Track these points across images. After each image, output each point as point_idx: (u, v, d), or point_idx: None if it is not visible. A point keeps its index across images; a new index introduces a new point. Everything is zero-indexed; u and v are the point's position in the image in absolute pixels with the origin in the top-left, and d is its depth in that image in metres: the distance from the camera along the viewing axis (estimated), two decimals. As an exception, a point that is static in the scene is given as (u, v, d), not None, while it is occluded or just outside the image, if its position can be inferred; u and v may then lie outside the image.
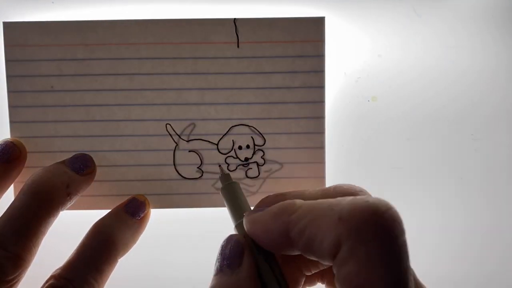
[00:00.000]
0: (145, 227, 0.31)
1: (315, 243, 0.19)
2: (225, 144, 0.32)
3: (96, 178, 0.31)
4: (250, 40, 0.31)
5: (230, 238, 0.23)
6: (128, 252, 0.29)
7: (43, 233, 0.27)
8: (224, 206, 0.31)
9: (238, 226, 0.25)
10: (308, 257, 0.21)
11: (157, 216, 0.32)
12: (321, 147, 0.31)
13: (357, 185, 0.26)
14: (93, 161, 0.30)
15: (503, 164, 0.35)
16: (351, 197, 0.20)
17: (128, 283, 0.33)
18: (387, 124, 0.34)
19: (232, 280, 0.21)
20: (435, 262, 0.36)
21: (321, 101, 0.31)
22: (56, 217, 0.28)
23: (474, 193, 0.35)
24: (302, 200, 0.22)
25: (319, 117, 0.31)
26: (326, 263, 0.20)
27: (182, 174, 0.32)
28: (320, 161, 0.31)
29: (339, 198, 0.20)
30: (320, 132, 0.31)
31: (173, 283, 0.34)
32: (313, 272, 0.25)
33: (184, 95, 0.31)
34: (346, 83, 0.34)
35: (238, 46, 0.31)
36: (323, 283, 0.26)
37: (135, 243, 0.30)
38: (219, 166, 0.31)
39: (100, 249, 0.28)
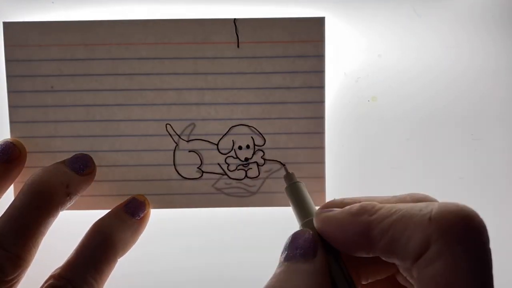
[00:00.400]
0: (144, 227, 0.31)
1: (399, 243, 0.19)
2: (225, 144, 0.32)
3: (96, 178, 0.31)
4: (250, 40, 0.31)
5: (302, 231, 0.23)
6: (128, 251, 0.29)
7: (43, 233, 0.27)
8: (223, 206, 0.32)
9: (305, 224, 0.25)
10: (385, 258, 0.20)
11: (157, 216, 0.32)
12: (321, 147, 0.31)
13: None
14: (93, 161, 0.30)
15: (503, 164, 0.35)
16: (439, 202, 0.20)
17: (126, 281, 0.33)
18: (387, 124, 0.34)
19: (307, 268, 0.21)
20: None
21: (321, 101, 0.31)
22: (56, 217, 0.28)
23: (474, 193, 0.35)
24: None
25: (319, 117, 0.31)
26: (406, 264, 0.20)
27: (182, 174, 0.32)
28: (320, 161, 0.31)
29: (425, 202, 0.20)
30: (320, 132, 0.31)
31: (171, 282, 0.34)
32: (369, 281, 0.25)
33: (184, 95, 0.31)
34: (346, 83, 0.34)
35: (238, 46, 0.31)
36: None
37: (134, 243, 0.30)
38: (283, 165, 0.31)
39: (100, 249, 0.28)
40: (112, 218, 0.29)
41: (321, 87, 0.31)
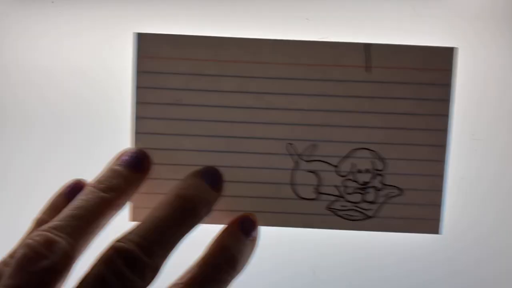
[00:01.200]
0: (256, 247, 0.30)
1: None
2: (345, 167, 0.32)
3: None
4: (380, 65, 0.31)
5: None
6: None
7: (176, 247, 0.27)
8: (337, 228, 0.32)
9: None
10: None
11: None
12: (440, 175, 0.31)
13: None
14: (223, 178, 0.31)
15: (503, 164, 0.35)
16: None
17: None
18: None
19: None
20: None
21: (444, 129, 0.31)
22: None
23: (475, 193, 0.35)
24: None
25: (441, 145, 0.31)
26: None
27: (299, 194, 0.32)
28: (438, 188, 0.31)
29: None
30: (441, 160, 0.31)
31: None
32: None
33: (309, 115, 0.31)
34: None
35: (366, 70, 0.31)
36: None
37: (248, 263, 0.30)
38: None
39: (223, 267, 0.28)
40: (232, 237, 0.29)
41: (445, 115, 0.31)
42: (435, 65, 0.31)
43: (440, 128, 0.31)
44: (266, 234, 0.31)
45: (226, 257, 0.28)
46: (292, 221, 0.32)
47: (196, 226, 0.27)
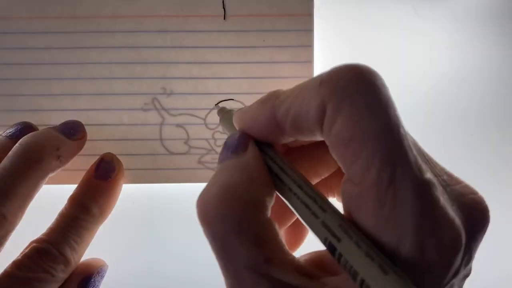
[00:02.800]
0: (119, 186, 0.30)
1: (301, 118, 0.19)
2: (212, 119, 0.31)
3: (82, 152, 0.31)
4: (237, 14, 0.30)
5: (233, 134, 0.22)
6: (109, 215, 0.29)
7: (31, 196, 0.27)
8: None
9: None
10: (300, 138, 0.20)
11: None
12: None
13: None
14: (83, 127, 0.30)
15: (503, 164, 0.35)
16: None
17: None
18: None
19: (239, 162, 0.20)
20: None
21: (309, 76, 0.31)
22: (45, 180, 0.27)
23: None
24: None
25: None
26: (318, 138, 0.19)
27: (169, 149, 0.31)
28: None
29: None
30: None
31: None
32: (315, 182, 0.24)
33: (172, 68, 0.31)
34: None
35: (224, 19, 0.30)
36: (333, 197, 0.25)
37: (113, 205, 0.30)
38: (215, 105, 0.31)
39: (78, 218, 0.28)
40: (84, 187, 0.29)
41: (309, 61, 0.31)
42: (294, 11, 0.30)
43: (305, 75, 0.31)
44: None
45: (78, 208, 0.28)
46: (164, 177, 0.31)
47: (46, 172, 0.27)
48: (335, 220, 0.17)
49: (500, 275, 0.36)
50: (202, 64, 0.31)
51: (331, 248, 0.17)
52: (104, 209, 0.28)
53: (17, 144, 0.27)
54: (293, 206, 0.19)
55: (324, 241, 0.17)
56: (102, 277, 0.29)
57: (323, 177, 0.24)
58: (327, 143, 0.19)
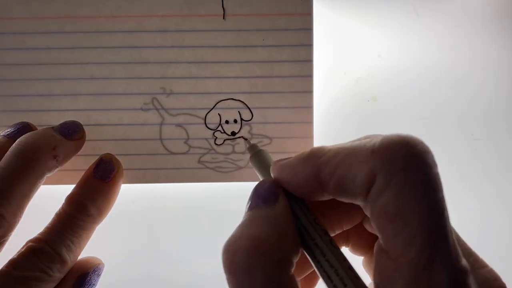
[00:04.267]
0: (118, 187, 0.30)
1: (347, 181, 0.19)
2: (212, 119, 0.31)
3: (82, 152, 0.31)
4: (237, 13, 0.30)
5: (263, 181, 0.23)
6: (106, 215, 0.29)
7: (28, 196, 0.27)
8: (209, 181, 0.31)
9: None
10: (339, 199, 0.20)
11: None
12: (309, 121, 0.31)
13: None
14: (82, 127, 0.30)
15: (503, 164, 0.35)
16: (382, 134, 0.20)
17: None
18: (387, 124, 0.34)
19: (269, 213, 0.20)
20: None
21: (309, 75, 0.31)
22: (42, 180, 0.27)
23: (474, 193, 0.35)
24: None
25: (307, 91, 0.31)
26: (358, 202, 0.19)
27: (169, 149, 0.31)
28: (308, 135, 0.31)
29: (369, 136, 0.20)
30: (308, 106, 0.31)
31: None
32: (336, 233, 0.25)
33: (170, 68, 0.31)
34: (346, 83, 0.33)
35: (224, 18, 0.30)
36: (347, 246, 0.26)
37: (111, 206, 0.29)
38: (244, 139, 0.31)
39: (76, 218, 0.27)
40: (83, 187, 0.29)
41: (309, 60, 0.31)
42: (293, 10, 0.30)
43: (305, 74, 0.31)
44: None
45: (76, 206, 0.28)
46: (163, 176, 0.31)
47: (43, 171, 0.27)
48: None
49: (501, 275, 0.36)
50: (201, 63, 0.31)
51: None
52: (102, 209, 0.28)
53: (14, 144, 0.27)
54: (317, 270, 0.20)
55: None
56: (99, 275, 0.29)
57: (345, 229, 0.24)
58: (368, 210, 0.19)
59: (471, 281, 0.17)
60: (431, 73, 0.34)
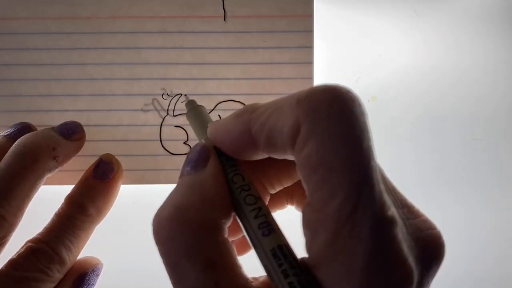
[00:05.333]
0: (117, 187, 0.30)
1: (275, 134, 0.18)
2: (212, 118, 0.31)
3: (82, 153, 0.31)
4: (237, 15, 0.30)
5: (196, 144, 0.22)
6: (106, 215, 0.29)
7: (29, 197, 0.27)
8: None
9: (205, 140, 0.23)
10: (271, 155, 0.20)
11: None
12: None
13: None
14: (82, 128, 0.30)
15: (503, 164, 0.35)
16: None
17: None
18: (387, 124, 0.34)
19: (197, 179, 0.20)
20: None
21: (309, 77, 0.31)
22: (43, 180, 0.27)
23: (474, 193, 0.35)
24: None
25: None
26: (287, 155, 0.19)
27: (169, 150, 0.31)
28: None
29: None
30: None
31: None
32: (277, 190, 0.24)
33: (171, 69, 0.31)
34: (346, 83, 0.33)
35: (224, 20, 0.30)
36: (292, 204, 0.25)
37: (111, 206, 0.29)
38: (185, 95, 0.30)
39: (75, 218, 0.27)
40: (82, 187, 0.29)
41: (309, 62, 0.31)
42: (294, 12, 0.30)
43: (305, 76, 0.31)
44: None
45: (75, 206, 0.28)
46: (163, 177, 0.31)
47: (42, 172, 0.27)
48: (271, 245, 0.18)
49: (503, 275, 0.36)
50: (202, 65, 0.31)
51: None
52: (101, 209, 0.28)
53: (13, 145, 0.27)
54: (244, 230, 0.19)
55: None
56: (97, 275, 0.29)
57: (285, 186, 0.24)
58: (296, 162, 0.18)
59: (398, 231, 0.16)
60: (431, 73, 0.34)
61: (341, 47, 0.34)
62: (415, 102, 0.34)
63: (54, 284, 0.27)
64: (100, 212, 0.28)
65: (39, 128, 0.30)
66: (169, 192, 0.32)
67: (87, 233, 0.28)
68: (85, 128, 0.31)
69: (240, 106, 0.31)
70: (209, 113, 0.31)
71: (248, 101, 0.31)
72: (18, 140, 0.27)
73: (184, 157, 0.31)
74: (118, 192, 0.30)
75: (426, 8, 0.34)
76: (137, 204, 0.33)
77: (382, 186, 0.17)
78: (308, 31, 0.31)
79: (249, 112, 0.20)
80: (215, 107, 0.31)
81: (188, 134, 0.31)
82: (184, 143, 0.31)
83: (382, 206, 0.16)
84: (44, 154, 0.27)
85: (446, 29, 0.34)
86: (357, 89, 0.34)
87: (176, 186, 0.20)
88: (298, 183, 0.23)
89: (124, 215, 0.31)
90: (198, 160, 0.20)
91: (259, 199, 0.20)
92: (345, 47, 0.34)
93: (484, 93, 0.35)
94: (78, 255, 0.28)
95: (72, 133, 0.29)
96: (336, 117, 0.17)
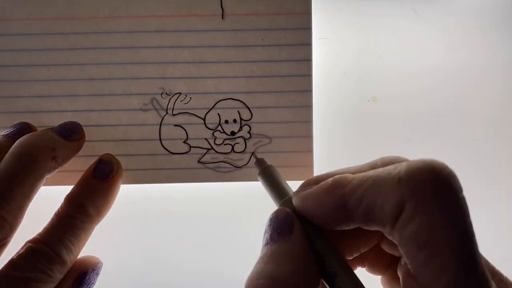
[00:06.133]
0: (117, 187, 0.30)
1: (375, 209, 0.19)
2: (212, 118, 0.31)
3: (82, 153, 0.31)
4: (235, 13, 0.30)
5: (279, 210, 0.22)
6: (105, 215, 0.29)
7: (29, 197, 0.27)
8: (209, 181, 0.31)
9: (283, 204, 0.24)
10: (365, 227, 0.20)
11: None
12: (309, 121, 0.31)
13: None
14: (81, 128, 0.30)
15: (503, 164, 0.35)
16: (406, 161, 0.20)
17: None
18: (387, 124, 0.34)
19: (285, 246, 0.21)
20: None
21: (308, 75, 0.31)
22: (42, 181, 0.27)
23: (474, 193, 0.35)
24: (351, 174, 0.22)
25: (307, 91, 0.31)
26: (386, 229, 0.20)
27: (168, 149, 0.31)
28: (307, 135, 0.31)
29: (393, 164, 0.20)
30: (308, 106, 0.31)
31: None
32: (354, 256, 0.25)
33: (170, 68, 0.31)
34: (346, 83, 0.33)
35: (222, 18, 0.30)
36: (363, 266, 0.26)
37: (110, 206, 0.29)
38: (252, 153, 0.31)
39: (74, 218, 0.27)
40: (82, 187, 0.29)
41: (307, 60, 0.31)
42: (292, 9, 0.30)
43: (304, 74, 0.31)
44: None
45: (74, 206, 0.28)
46: (163, 177, 0.31)
47: (42, 172, 0.27)
48: None
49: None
50: (200, 63, 0.31)
51: None
52: (100, 209, 0.28)
53: (13, 146, 0.27)
54: None
55: None
56: (97, 274, 0.29)
57: (362, 252, 0.24)
58: (396, 237, 0.19)
59: None
60: (431, 73, 0.34)
61: (339, 45, 0.34)
62: (415, 102, 0.34)
63: (54, 284, 0.26)
64: (100, 212, 0.28)
65: (38, 129, 0.30)
66: (169, 192, 0.32)
67: (87, 233, 0.28)
68: (85, 128, 0.31)
69: (239, 104, 0.31)
70: (208, 111, 0.31)
71: (248, 99, 0.31)
72: (17, 141, 0.27)
73: (184, 156, 0.31)
74: (118, 192, 0.30)
75: (426, 8, 0.34)
76: (137, 204, 0.33)
77: (483, 260, 0.19)
78: (306, 28, 0.31)
79: (342, 186, 0.21)
80: (214, 105, 0.31)
81: (187, 133, 0.31)
82: (184, 142, 0.31)
83: (486, 282, 0.18)
84: (44, 154, 0.27)
85: (446, 29, 0.34)
86: (357, 89, 0.34)
87: (265, 255, 0.21)
88: (372, 247, 0.24)
89: (124, 215, 0.31)
90: (284, 227, 0.21)
91: (347, 266, 0.21)
92: (345, 47, 0.34)
93: (484, 93, 0.35)
94: (78, 255, 0.28)
95: (71, 134, 0.29)
96: (440, 196, 0.18)
